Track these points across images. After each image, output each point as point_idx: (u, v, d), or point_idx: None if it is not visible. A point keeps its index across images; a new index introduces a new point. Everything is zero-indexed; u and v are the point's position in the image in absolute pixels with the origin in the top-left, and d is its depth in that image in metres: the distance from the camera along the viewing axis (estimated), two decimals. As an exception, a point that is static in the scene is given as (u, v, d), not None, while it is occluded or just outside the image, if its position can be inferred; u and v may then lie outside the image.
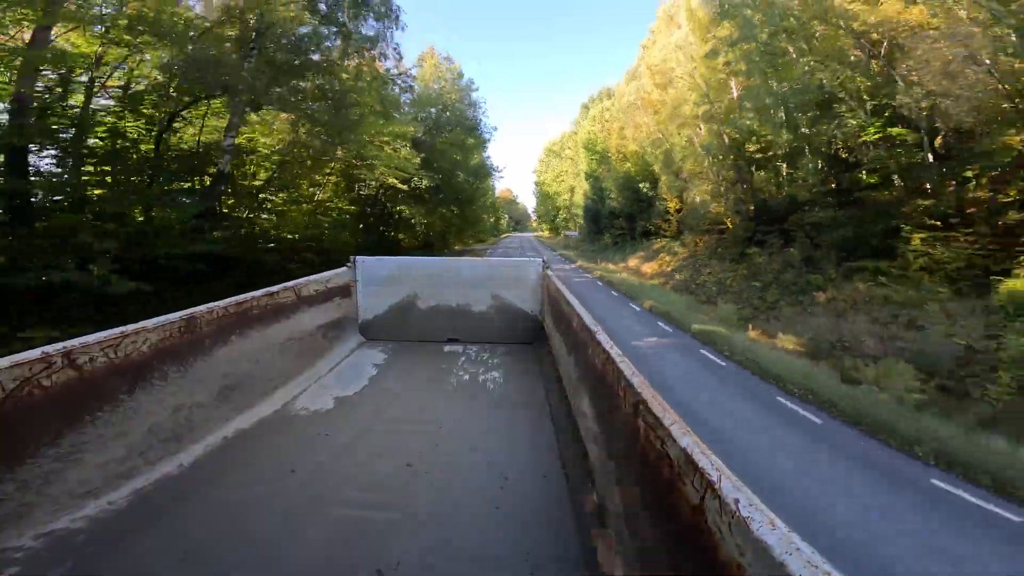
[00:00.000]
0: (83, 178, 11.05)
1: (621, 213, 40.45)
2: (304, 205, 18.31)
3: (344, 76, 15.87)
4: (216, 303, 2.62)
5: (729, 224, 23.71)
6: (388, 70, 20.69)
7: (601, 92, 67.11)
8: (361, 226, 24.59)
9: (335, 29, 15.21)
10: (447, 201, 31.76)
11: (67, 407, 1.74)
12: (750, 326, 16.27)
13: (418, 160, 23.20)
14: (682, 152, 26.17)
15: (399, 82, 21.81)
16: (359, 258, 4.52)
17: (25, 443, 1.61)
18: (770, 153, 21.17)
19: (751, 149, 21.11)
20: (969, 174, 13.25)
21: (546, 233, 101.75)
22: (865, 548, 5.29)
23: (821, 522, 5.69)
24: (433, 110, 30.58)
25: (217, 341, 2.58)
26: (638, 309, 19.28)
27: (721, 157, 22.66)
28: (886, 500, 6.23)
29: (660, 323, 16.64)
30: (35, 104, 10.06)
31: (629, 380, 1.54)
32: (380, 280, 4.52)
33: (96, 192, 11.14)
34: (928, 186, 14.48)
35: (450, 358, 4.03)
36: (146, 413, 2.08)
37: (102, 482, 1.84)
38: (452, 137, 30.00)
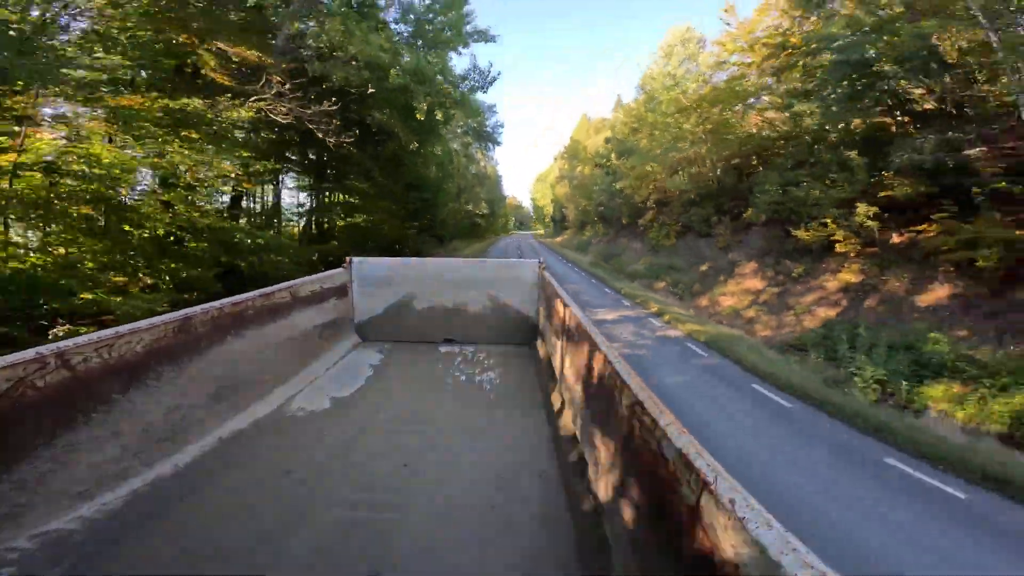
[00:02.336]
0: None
1: (560, 219, 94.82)
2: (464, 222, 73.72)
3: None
4: (211, 304, 2.63)
5: (576, 222, 78.33)
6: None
7: (563, 150, 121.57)
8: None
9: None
10: (489, 216, 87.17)
11: (61, 407, 1.74)
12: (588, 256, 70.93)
13: (485, 205, 78.14)
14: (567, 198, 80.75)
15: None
16: (355, 259, 4.55)
17: (20, 443, 1.60)
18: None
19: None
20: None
21: (540, 232, 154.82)
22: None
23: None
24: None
25: (213, 341, 2.57)
26: (549, 251, 74.02)
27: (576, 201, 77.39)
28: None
29: (553, 252, 71.19)
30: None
31: (625, 381, 1.56)
32: (376, 281, 4.54)
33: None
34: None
35: (446, 359, 4.07)
36: (141, 413, 2.07)
37: (97, 482, 1.83)
38: (493, 190, 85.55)
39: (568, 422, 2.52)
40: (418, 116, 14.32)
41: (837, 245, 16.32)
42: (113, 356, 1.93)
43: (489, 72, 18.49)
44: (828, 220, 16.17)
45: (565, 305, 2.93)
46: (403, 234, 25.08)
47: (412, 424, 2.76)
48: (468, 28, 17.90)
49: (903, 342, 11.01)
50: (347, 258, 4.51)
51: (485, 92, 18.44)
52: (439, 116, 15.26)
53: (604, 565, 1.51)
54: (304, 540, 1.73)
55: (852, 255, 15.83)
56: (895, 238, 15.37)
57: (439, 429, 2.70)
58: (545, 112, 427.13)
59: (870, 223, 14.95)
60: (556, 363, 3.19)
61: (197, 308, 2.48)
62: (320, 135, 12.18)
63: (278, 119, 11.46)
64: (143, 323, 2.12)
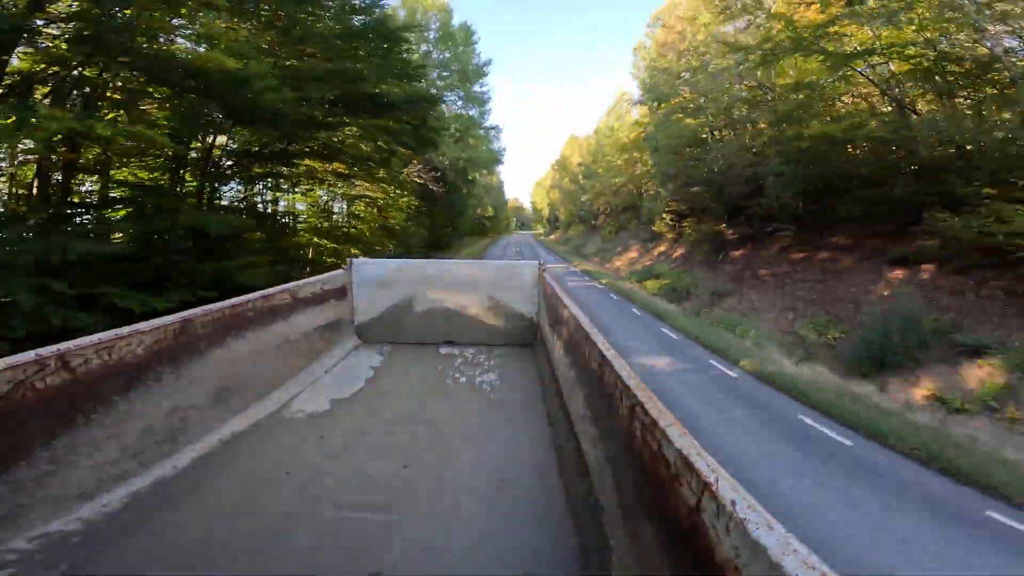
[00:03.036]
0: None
1: (554, 220, 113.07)
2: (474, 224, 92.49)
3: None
4: (211, 305, 2.66)
5: (565, 223, 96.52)
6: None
7: (555, 162, 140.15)
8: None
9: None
10: (494, 217, 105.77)
11: (61, 409, 1.75)
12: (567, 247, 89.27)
13: (491, 209, 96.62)
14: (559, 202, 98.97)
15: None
16: (355, 260, 4.62)
17: (19, 444, 1.61)
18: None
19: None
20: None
21: (540, 232, 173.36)
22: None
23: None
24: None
25: (212, 343, 2.59)
26: (544, 246, 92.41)
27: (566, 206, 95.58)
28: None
29: (545, 247, 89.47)
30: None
31: (626, 382, 1.57)
32: (376, 282, 4.59)
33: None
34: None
35: (446, 360, 4.10)
36: (141, 415, 2.09)
37: (96, 484, 1.85)
38: (498, 198, 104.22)
39: (568, 422, 2.49)
40: (470, 178, 32.76)
41: (665, 233, 34.35)
42: (113, 358, 1.94)
43: (501, 153, 39.16)
44: (657, 221, 34.27)
45: (565, 306, 2.94)
46: (444, 233, 43.57)
47: (412, 425, 2.78)
48: (486, 122, 37.00)
49: (650, 268, 29.32)
50: (347, 259, 4.60)
51: (500, 161, 38.28)
52: (475, 174, 33.68)
53: (604, 565, 1.50)
54: (303, 542, 1.73)
55: (669, 238, 33.87)
56: (687, 230, 33.53)
57: (439, 430, 2.72)
58: (542, 116, 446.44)
59: (671, 222, 33.01)
60: (556, 364, 3.22)
61: (198, 310, 2.51)
62: (432, 187, 30.23)
63: (417, 180, 29.59)
64: (144, 325, 2.14)
